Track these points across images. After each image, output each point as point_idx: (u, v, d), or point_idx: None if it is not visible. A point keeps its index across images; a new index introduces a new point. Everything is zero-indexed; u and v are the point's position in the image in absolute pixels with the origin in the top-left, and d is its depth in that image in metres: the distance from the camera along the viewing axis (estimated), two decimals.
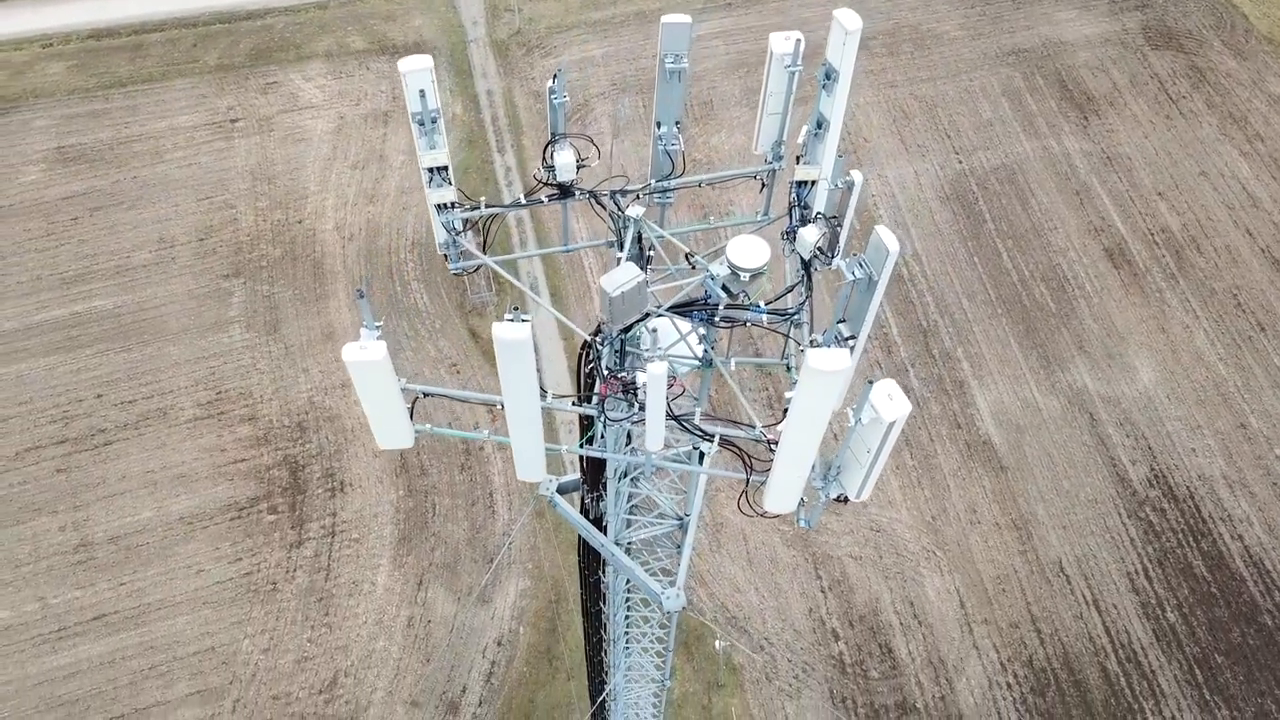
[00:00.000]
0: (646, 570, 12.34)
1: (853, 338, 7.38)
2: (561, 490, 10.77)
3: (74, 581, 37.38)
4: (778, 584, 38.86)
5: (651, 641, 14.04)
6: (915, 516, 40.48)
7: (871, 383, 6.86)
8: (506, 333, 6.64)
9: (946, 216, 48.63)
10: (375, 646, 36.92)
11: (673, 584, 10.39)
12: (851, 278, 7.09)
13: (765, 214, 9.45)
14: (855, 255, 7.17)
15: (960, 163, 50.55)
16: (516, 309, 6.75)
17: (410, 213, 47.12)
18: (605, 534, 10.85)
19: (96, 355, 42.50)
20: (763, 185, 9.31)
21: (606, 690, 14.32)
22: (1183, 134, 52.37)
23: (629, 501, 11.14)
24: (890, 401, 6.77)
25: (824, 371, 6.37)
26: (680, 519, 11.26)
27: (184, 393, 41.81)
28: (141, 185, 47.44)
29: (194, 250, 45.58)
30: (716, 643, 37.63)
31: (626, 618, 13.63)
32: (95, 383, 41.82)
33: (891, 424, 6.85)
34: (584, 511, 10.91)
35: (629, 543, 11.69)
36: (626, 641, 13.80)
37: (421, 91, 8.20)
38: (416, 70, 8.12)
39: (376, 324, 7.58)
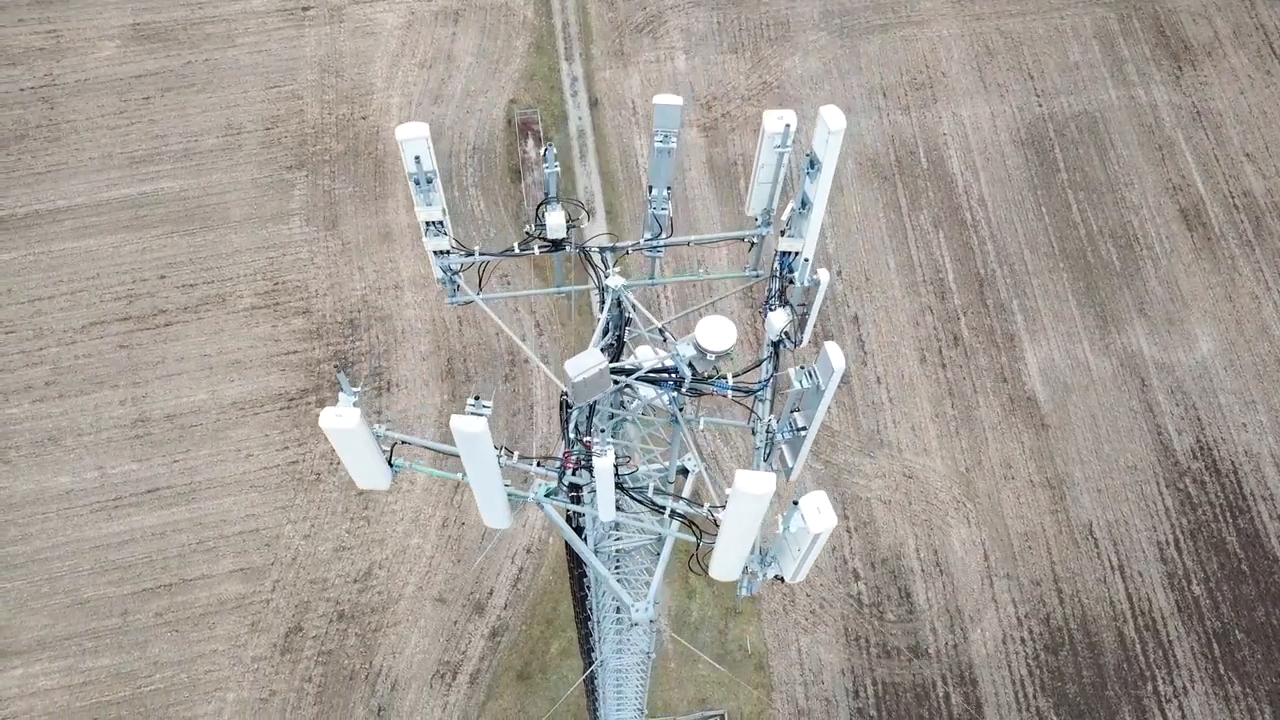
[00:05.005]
0: (637, 567, 12.85)
1: (804, 429, 7.61)
2: (550, 495, 11.19)
3: (131, 454, 39.32)
4: None
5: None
6: (949, 466, 40.60)
7: (796, 503, 7.13)
8: (464, 425, 7.01)
9: (1018, 162, 47.21)
10: (409, 543, 38.51)
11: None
12: (799, 386, 7.30)
13: (754, 270, 9.63)
14: (804, 366, 7.35)
15: (1040, 106, 48.76)
16: (478, 398, 7.07)
17: (474, 117, 47.01)
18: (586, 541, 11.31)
19: (161, 236, 43.69)
20: (750, 245, 9.48)
21: (595, 664, 15.05)
22: None
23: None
24: (818, 514, 7.10)
25: (750, 495, 6.69)
26: (660, 535, 11.67)
27: (243, 281, 42.96)
28: (212, 69, 47.85)
29: (259, 139, 46.17)
30: None
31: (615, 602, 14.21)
32: (159, 264, 43.11)
33: (817, 535, 7.15)
34: (568, 517, 11.35)
35: (614, 550, 12.17)
36: (616, 621, 14.43)
37: (417, 157, 8.56)
38: (413, 139, 8.49)
39: (355, 390, 8.01)
